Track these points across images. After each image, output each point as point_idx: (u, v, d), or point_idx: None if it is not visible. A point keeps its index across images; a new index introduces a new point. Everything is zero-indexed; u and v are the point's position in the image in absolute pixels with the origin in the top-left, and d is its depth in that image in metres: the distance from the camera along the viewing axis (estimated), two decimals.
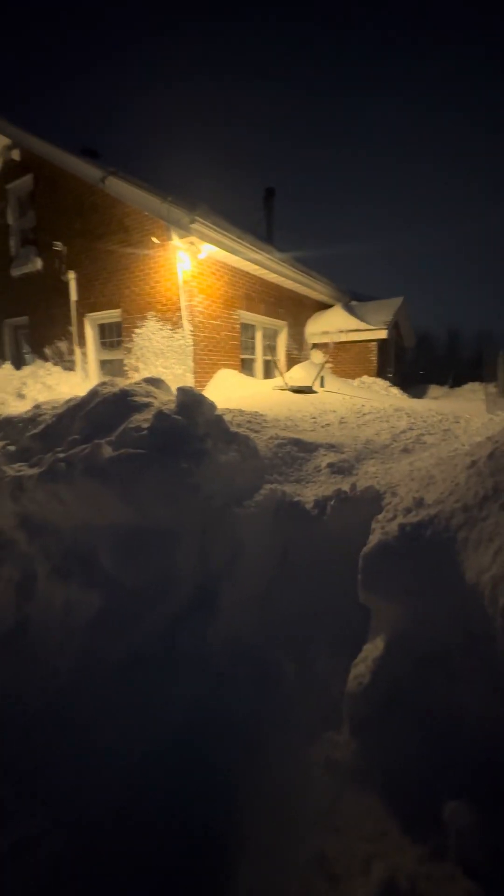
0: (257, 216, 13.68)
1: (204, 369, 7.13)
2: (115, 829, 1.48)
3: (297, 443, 3.48)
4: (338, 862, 1.29)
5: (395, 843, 1.29)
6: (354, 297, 12.14)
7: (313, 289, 9.91)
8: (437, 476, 2.18)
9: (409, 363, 16.79)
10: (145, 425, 2.91)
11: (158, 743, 1.75)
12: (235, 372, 7.68)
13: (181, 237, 5.99)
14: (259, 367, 9.03)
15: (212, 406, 3.21)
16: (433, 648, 1.67)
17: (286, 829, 1.39)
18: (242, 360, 8.20)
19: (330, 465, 3.12)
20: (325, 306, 11.42)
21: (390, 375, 10.78)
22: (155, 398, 3.58)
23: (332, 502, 2.59)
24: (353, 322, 10.11)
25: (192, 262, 6.48)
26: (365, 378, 9.99)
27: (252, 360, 8.86)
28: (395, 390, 9.36)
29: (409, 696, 1.61)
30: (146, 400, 3.40)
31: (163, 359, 7.19)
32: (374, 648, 1.79)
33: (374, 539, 1.92)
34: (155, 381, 3.94)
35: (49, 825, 1.51)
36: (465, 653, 1.60)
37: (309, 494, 2.81)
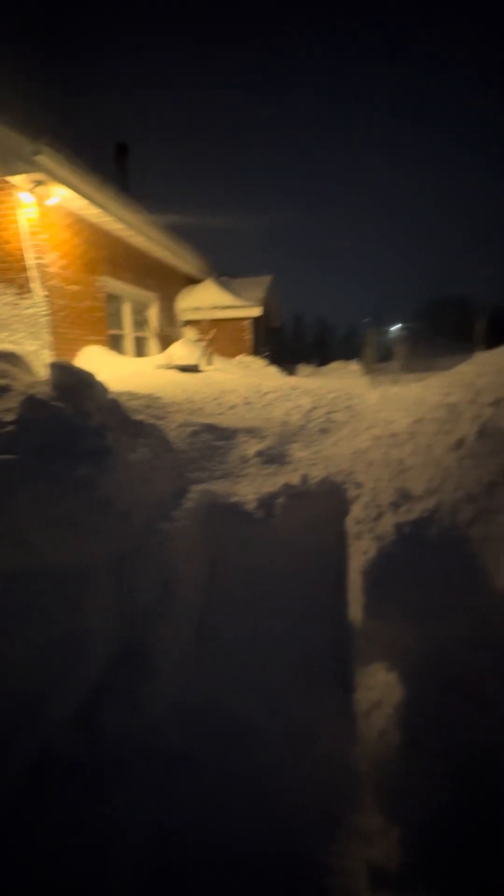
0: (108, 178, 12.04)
1: (65, 345, 5.87)
2: None
3: (212, 429, 2.92)
4: None
5: None
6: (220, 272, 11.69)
7: (184, 259, 9.12)
8: (409, 460, 1.89)
9: (276, 343, 17.24)
10: (9, 418, 2.01)
11: None
12: (105, 349, 6.57)
13: (23, 173, 4.65)
14: (130, 343, 7.97)
15: (103, 388, 2.42)
16: (458, 676, 1.36)
17: None
18: (110, 335, 7.08)
19: (259, 454, 2.65)
20: (193, 281, 10.72)
21: (266, 354, 10.75)
22: (14, 379, 2.60)
23: (279, 500, 2.13)
24: (228, 298, 9.68)
25: (39, 209, 5.14)
26: (242, 357, 9.72)
27: (121, 337, 7.74)
28: (273, 369, 9.30)
29: (446, 744, 1.27)
30: (2, 382, 2.42)
31: (7, 332, 5.69)
32: (386, 688, 1.40)
33: (368, 548, 1.51)
34: (9, 357, 2.90)
35: None
36: (500, 678, 1.32)
37: (246, 492, 2.29)
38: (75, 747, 1.51)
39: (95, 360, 5.93)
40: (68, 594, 1.66)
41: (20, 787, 1.38)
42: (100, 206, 5.75)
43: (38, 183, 4.90)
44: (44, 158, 4.55)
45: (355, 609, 1.53)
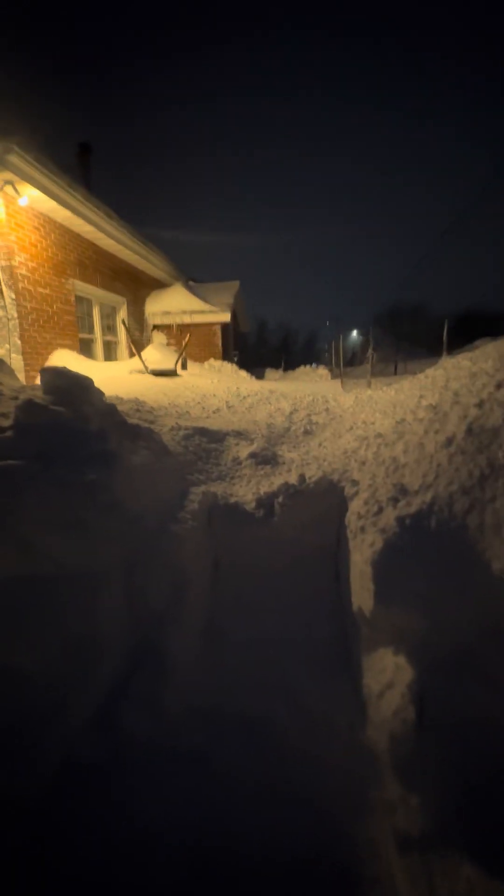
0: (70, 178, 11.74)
1: (35, 350, 5.70)
2: None
3: (204, 432, 2.96)
4: None
5: None
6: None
7: (152, 263, 9.05)
8: (402, 458, 2.01)
9: (243, 348, 17.39)
10: (6, 423, 1.98)
11: None
12: (76, 354, 6.41)
13: None
14: (99, 348, 7.81)
15: (99, 392, 2.42)
16: (464, 656, 1.48)
17: None
18: (81, 339, 6.93)
19: (252, 456, 2.71)
20: (161, 285, 10.66)
21: (236, 359, 10.84)
22: (0, 384, 2.55)
23: (279, 499, 2.20)
24: (197, 303, 9.70)
25: (7, 210, 4.98)
26: (213, 361, 9.76)
27: (91, 341, 7.58)
28: (243, 373, 9.40)
29: (457, 718, 1.38)
30: None
31: None
32: (397, 669, 1.50)
33: (374, 540, 1.62)
34: None
35: None
36: (501, 656, 1.45)
37: (244, 493, 2.36)
38: (99, 751, 1.51)
39: (67, 365, 5.79)
40: (81, 599, 1.66)
41: (46, 791, 1.38)
42: (70, 207, 5.65)
43: (7, 183, 4.77)
44: (14, 158, 4.43)
45: (363, 599, 1.62)
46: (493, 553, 1.48)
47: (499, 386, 2.05)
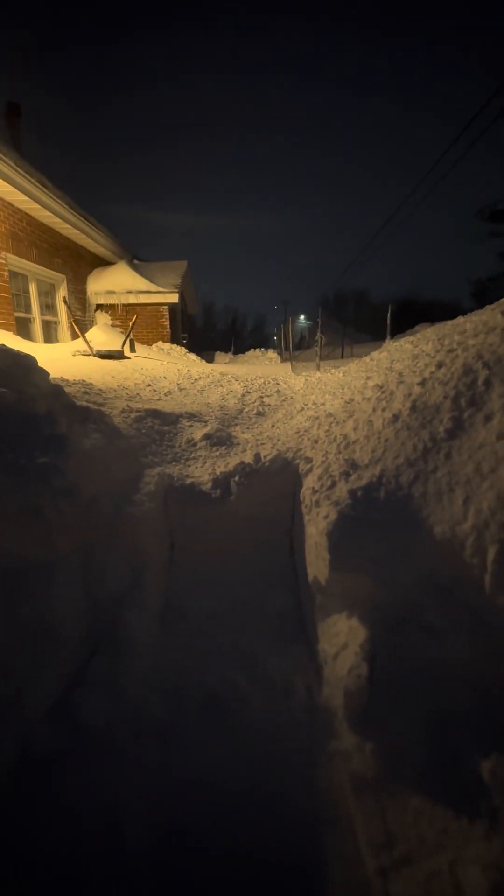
0: None
1: None
2: None
3: (156, 415, 2.91)
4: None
5: (462, 836, 1.18)
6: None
7: (93, 239, 8.56)
8: (352, 435, 2.11)
9: (191, 331, 17.06)
10: None
11: None
12: (12, 335, 5.98)
13: None
14: (38, 328, 7.33)
15: (44, 373, 2.30)
16: (409, 612, 1.61)
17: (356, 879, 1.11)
18: (17, 318, 6.46)
19: (206, 437, 2.72)
20: (104, 262, 10.14)
21: (185, 341, 10.62)
22: None
23: (236, 478, 2.24)
24: (143, 283, 9.34)
25: None
26: (161, 343, 9.52)
27: (29, 320, 7.10)
28: (193, 356, 9.27)
29: (405, 668, 1.51)
30: None
31: None
32: (350, 631, 1.61)
33: (329, 512, 1.70)
34: None
35: None
36: (440, 609, 1.59)
37: (200, 473, 2.36)
38: (58, 741, 1.49)
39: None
40: (36, 588, 1.61)
41: (2, 788, 1.34)
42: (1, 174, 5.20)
43: None
44: None
45: (319, 568, 1.71)
46: (435, 519, 1.61)
47: (439, 366, 2.19)
